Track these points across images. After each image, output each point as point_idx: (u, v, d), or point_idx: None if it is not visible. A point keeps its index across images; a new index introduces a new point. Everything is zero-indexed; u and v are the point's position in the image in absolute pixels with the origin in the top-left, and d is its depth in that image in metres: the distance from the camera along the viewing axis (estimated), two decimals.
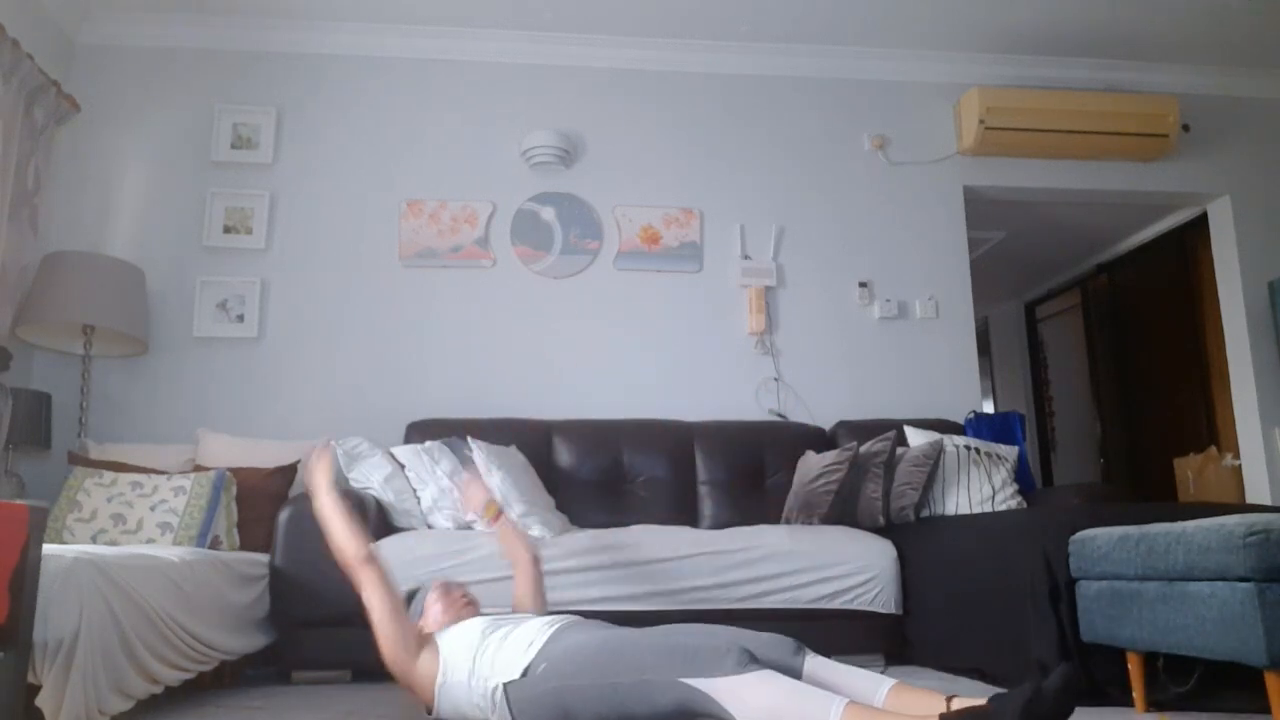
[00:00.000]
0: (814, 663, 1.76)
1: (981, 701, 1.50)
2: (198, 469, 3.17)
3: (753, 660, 1.64)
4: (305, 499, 2.93)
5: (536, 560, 2.48)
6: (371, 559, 2.03)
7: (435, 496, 3.06)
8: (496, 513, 2.61)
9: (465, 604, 2.12)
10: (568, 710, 1.70)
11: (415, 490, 3.09)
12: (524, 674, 1.78)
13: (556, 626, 1.88)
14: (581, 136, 4.13)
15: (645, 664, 1.70)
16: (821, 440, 3.71)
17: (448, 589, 2.16)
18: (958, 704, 1.58)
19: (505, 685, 1.79)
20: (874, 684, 1.72)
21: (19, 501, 1.72)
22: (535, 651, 1.81)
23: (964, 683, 2.57)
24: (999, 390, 7.04)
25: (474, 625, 1.97)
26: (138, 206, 3.84)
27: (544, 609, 2.36)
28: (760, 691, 1.59)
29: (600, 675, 1.70)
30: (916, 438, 3.55)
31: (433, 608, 2.11)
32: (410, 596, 2.20)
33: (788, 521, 3.29)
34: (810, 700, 1.56)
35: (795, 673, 1.73)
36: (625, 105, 4.19)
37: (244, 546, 3.01)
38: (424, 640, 1.97)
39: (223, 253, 3.84)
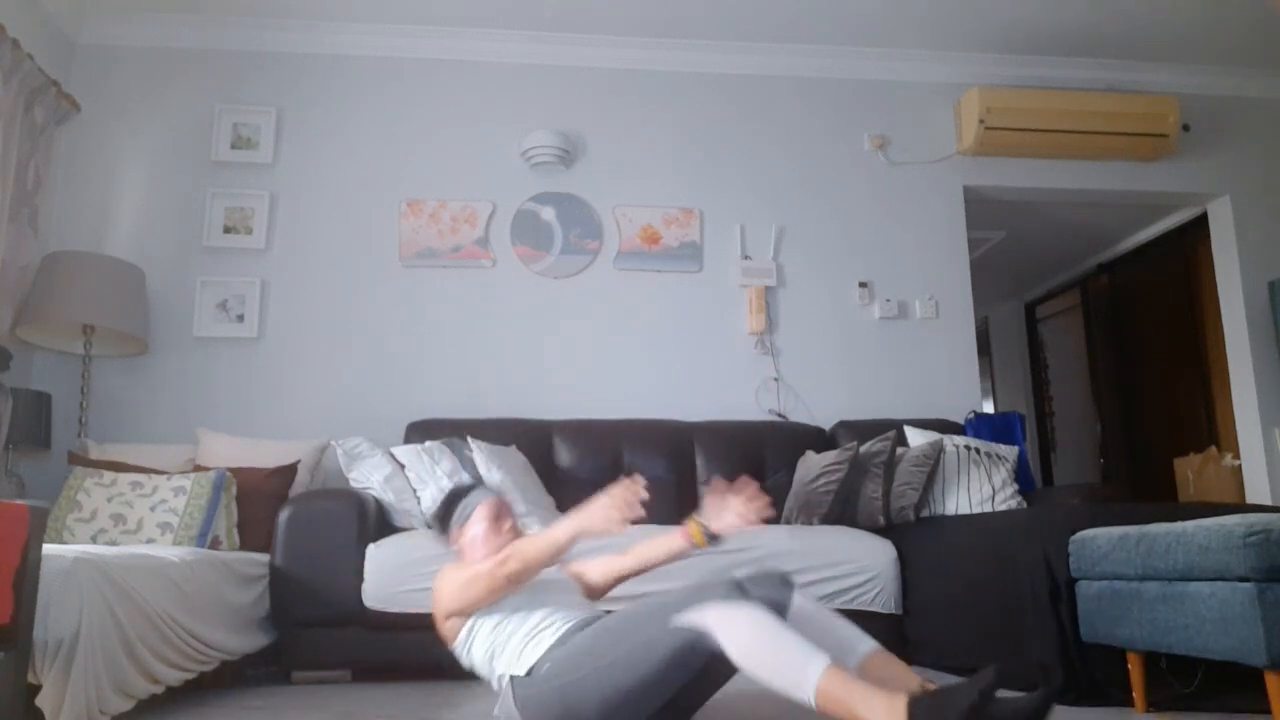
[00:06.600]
0: (801, 600, 1.75)
1: (954, 681, 1.50)
2: (198, 469, 3.17)
3: (743, 593, 1.63)
4: (305, 499, 2.94)
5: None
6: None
7: (435, 496, 3.06)
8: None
9: (511, 536, 2.00)
10: (570, 707, 1.69)
11: (415, 490, 3.09)
12: (529, 673, 1.77)
13: (569, 625, 1.84)
14: (581, 136, 4.13)
15: (639, 626, 1.67)
16: (821, 440, 3.71)
17: (499, 515, 2.03)
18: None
19: (512, 679, 1.78)
20: (855, 640, 1.71)
21: (19, 501, 1.72)
22: (542, 651, 1.79)
23: None
24: (999, 390, 7.03)
25: (506, 603, 1.89)
26: (138, 206, 3.84)
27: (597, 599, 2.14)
28: (748, 625, 1.58)
29: (598, 659, 1.68)
30: (916, 438, 3.55)
31: (476, 526, 2.01)
32: (458, 494, 2.09)
33: (788, 521, 3.29)
34: (794, 650, 1.55)
35: (784, 607, 1.72)
36: (625, 105, 4.19)
37: (244, 546, 3.01)
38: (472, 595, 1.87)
39: (223, 253, 3.84)
